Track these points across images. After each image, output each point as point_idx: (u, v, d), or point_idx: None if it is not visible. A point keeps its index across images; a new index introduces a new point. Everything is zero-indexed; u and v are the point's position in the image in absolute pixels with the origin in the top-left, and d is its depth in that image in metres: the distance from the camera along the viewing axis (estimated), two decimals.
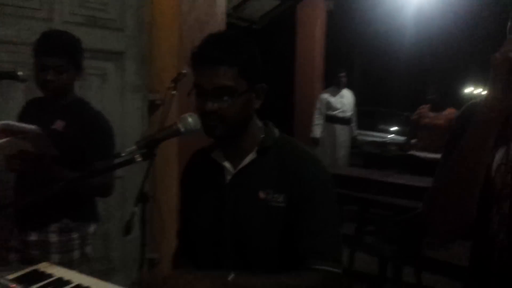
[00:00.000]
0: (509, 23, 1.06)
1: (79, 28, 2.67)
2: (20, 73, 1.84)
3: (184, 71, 2.62)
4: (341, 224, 1.36)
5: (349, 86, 5.81)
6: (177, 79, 2.63)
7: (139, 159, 1.26)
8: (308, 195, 1.29)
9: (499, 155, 1.08)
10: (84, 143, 1.98)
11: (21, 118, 2.12)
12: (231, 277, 1.18)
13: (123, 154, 1.25)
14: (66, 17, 2.73)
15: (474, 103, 1.15)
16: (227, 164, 1.37)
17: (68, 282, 1.27)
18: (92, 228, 2.12)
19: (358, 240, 3.58)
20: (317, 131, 5.62)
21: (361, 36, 8.14)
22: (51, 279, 1.27)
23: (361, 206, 3.84)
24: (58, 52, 1.94)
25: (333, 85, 5.73)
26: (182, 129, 1.27)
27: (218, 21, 3.49)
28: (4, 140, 1.76)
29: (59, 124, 2.00)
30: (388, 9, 7.54)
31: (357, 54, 8.10)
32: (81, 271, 1.79)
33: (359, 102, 5.96)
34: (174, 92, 2.62)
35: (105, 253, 2.91)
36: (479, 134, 1.02)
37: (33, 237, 1.99)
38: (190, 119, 1.27)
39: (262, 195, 1.31)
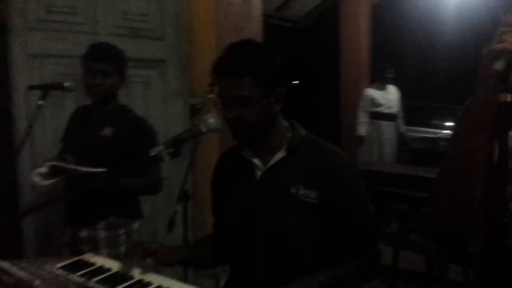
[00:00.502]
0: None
1: (122, 40, 2.86)
2: (66, 84, 2.02)
3: None
4: (372, 207, 1.46)
5: (399, 81, 5.73)
6: (213, 83, 2.75)
7: (167, 157, 1.37)
8: (343, 191, 1.38)
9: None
10: (132, 147, 2.12)
11: (70, 125, 2.32)
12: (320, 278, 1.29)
13: (152, 153, 1.36)
14: (110, 30, 2.93)
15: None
16: (257, 161, 1.45)
17: (108, 270, 1.39)
18: (137, 224, 2.27)
19: (402, 238, 3.54)
20: (362, 129, 5.57)
21: (409, 29, 7.97)
22: (93, 267, 1.41)
23: (407, 204, 3.80)
24: (105, 58, 2.13)
25: (378, 81, 5.67)
26: (204, 129, 1.38)
27: (254, 25, 3.59)
28: (52, 181, 1.96)
29: (108, 131, 2.16)
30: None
31: (406, 48, 7.94)
32: None
33: (410, 97, 5.86)
34: (211, 95, 2.74)
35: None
36: (472, 124, 1.05)
37: (83, 233, 2.16)
38: (211, 120, 1.38)
39: (293, 190, 1.39)
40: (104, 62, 2.11)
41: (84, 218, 2.18)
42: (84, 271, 1.36)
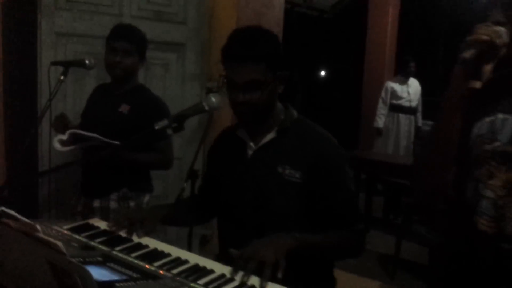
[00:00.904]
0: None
1: (145, 22, 2.98)
2: (87, 61, 2.15)
3: None
4: (357, 190, 1.56)
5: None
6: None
7: (170, 132, 1.49)
8: (326, 172, 1.46)
9: (477, 127, 1.17)
10: (146, 124, 2.24)
11: (90, 101, 2.46)
12: (297, 235, 1.37)
13: (156, 127, 1.47)
14: (135, 12, 3.05)
15: None
16: (249, 141, 1.56)
17: (110, 233, 1.51)
18: (147, 197, 2.40)
19: (406, 228, 3.59)
20: (380, 121, 5.59)
21: (439, 21, 7.84)
22: (97, 230, 1.54)
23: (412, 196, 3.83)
24: (127, 38, 2.26)
25: (400, 74, 5.67)
26: (206, 107, 1.49)
27: (276, 12, 3.66)
28: (71, 147, 2.11)
29: (124, 108, 2.29)
30: None
31: (436, 41, 7.82)
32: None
33: (439, 91, 5.82)
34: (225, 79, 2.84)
35: (162, 226, 3.22)
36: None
37: (96, 203, 2.31)
38: (213, 99, 1.48)
39: (279, 169, 1.48)
40: (125, 42, 2.24)
41: (97, 189, 2.33)
42: (88, 233, 1.49)
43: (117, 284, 1.09)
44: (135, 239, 1.47)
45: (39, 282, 0.94)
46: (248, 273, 1.21)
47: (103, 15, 2.92)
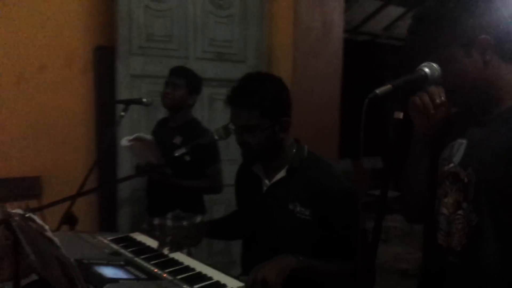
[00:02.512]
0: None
1: (209, 63, 3.35)
2: (144, 100, 2.51)
3: None
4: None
5: None
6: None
7: (188, 158, 1.75)
8: (332, 210, 1.54)
9: (444, 151, 1.28)
10: (193, 155, 2.54)
11: (154, 132, 2.83)
12: (301, 258, 1.48)
13: (175, 154, 1.72)
14: (199, 54, 3.43)
15: None
16: (264, 178, 1.70)
17: (147, 247, 1.76)
18: (198, 218, 2.69)
19: None
20: None
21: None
22: (133, 242, 1.81)
23: None
24: (177, 73, 2.66)
25: None
26: (216, 137, 1.71)
27: (334, 46, 3.84)
28: (137, 143, 2.48)
29: (177, 139, 2.63)
30: None
31: None
32: (190, 252, 2.40)
33: None
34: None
35: (226, 247, 3.48)
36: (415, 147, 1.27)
37: (156, 221, 2.67)
38: (221, 131, 1.70)
39: (291, 206, 1.60)
40: (176, 77, 2.62)
41: (157, 209, 2.69)
42: (125, 243, 1.78)
43: (120, 281, 1.34)
44: (168, 253, 1.68)
45: (53, 272, 1.23)
46: None
47: (171, 58, 3.34)
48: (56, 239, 1.09)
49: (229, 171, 2.62)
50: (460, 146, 1.22)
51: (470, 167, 1.16)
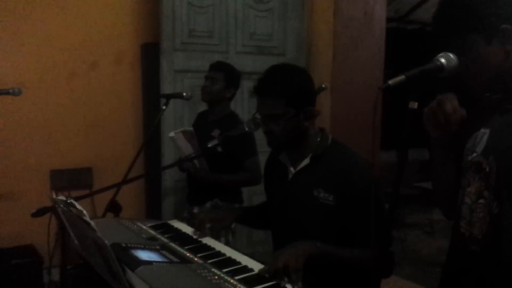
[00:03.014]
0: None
1: (249, 57, 3.42)
2: (184, 94, 2.62)
3: (323, 85, 3.08)
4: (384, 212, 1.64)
5: None
6: (317, 92, 3.10)
7: (220, 149, 1.83)
8: (356, 195, 1.57)
9: (469, 141, 1.28)
10: (229, 147, 2.62)
11: (194, 125, 2.94)
12: (319, 244, 1.53)
13: (208, 145, 1.81)
14: (239, 49, 3.51)
15: None
16: (289, 166, 1.76)
17: (183, 234, 1.86)
18: (236, 207, 2.77)
19: None
20: None
21: None
22: (170, 228, 1.92)
23: None
24: (214, 68, 2.75)
25: None
26: (246, 128, 1.78)
27: (375, 37, 3.80)
28: (180, 134, 2.63)
29: (215, 132, 2.72)
30: None
31: None
32: (227, 240, 2.50)
33: None
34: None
35: (266, 237, 3.55)
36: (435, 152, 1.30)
37: (195, 210, 2.77)
38: (251, 123, 1.77)
39: (315, 193, 1.65)
40: (213, 71, 2.70)
41: (197, 199, 2.80)
42: (162, 230, 1.88)
43: (154, 263, 1.44)
44: (201, 238, 1.77)
45: (92, 254, 1.34)
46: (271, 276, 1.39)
47: (212, 53, 3.43)
48: (92, 223, 1.19)
49: None
50: (483, 136, 1.22)
51: (491, 156, 1.16)
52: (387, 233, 1.63)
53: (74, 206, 1.31)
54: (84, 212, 1.25)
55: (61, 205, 1.43)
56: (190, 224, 1.96)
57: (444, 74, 1.15)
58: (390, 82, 1.06)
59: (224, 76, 2.70)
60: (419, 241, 4.92)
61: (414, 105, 1.09)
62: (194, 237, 1.80)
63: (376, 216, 1.53)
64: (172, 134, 2.65)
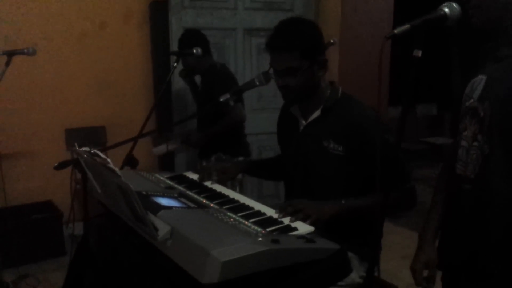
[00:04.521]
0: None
1: (257, 12, 3.43)
2: (194, 50, 2.66)
3: (332, 40, 3.09)
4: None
5: None
6: (326, 46, 3.12)
7: (232, 103, 1.89)
8: (366, 143, 1.62)
9: (467, 87, 1.34)
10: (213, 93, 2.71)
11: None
12: (343, 201, 1.61)
13: (221, 99, 1.87)
14: (248, 5, 3.52)
15: None
16: (301, 118, 1.82)
17: (198, 183, 1.96)
18: (240, 160, 2.90)
19: None
20: None
21: None
22: (186, 179, 2.02)
23: None
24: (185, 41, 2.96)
25: None
26: (257, 83, 1.83)
27: None
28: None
29: (200, 88, 2.99)
30: None
31: None
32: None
33: None
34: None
35: (275, 191, 3.67)
36: None
37: (204, 163, 2.95)
38: (262, 77, 1.81)
39: (325, 143, 1.71)
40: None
41: (204, 153, 3.02)
42: (179, 180, 1.98)
43: (174, 208, 1.54)
44: (215, 188, 1.87)
45: (117, 200, 1.44)
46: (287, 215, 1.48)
47: (220, 9, 3.45)
48: (117, 169, 1.28)
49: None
50: (480, 82, 1.28)
51: (487, 101, 1.22)
52: (405, 171, 1.69)
53: (99, 156, 1.40)
54: (109, 160, 1.34)
55: (85, 156, 1.52)
56: (200, 177, 2.02)
57: (447, 23, 1.20)
58: (396, 31, 1.11)
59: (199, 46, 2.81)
60: (426, 194, 5.02)
61: (418, 53, 1.14)
62: (209, 186, 1.90)
63: (392, 157, 1.55)
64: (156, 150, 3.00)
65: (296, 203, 1.54)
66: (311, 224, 1.45)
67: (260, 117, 3.50)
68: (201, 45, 2.87)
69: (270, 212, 1.58)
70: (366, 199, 1.65)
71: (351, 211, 1.62)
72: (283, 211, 1.51)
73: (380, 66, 1.10)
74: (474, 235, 1.29)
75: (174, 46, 3.37)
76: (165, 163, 3.69)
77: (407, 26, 1.12)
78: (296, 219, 1.47)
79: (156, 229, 1.30)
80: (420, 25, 1.14)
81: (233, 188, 2.71)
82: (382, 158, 1.57)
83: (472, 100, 1.29)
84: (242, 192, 2.89)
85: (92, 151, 1.41)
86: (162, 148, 2.93)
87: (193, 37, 2.97)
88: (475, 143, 1.26)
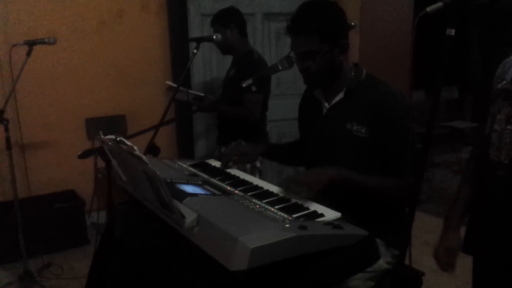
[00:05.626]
0: None
1: None
2: (214, 37, 2.63)
3: (352, 23, 3.03)
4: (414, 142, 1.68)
5: None
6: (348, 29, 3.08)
7: (254, 88, 1.87)
8: (388, 127, 1.62)
9: (498, 69, 1.30)
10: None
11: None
12: (346, 170, 1.60)
13: (243, 85, 1.85)
14: None
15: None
16: (324, 101, 1.81)
17: (221, 170, 1.94)
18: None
19: None
20: None
21: None
22: (209, 166, 2.01)
23: None
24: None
25: None
26: (280, 67, 1.80)
27: None
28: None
29: (232, 71, 2.88)
30: None
31: None
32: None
33: None
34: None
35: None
36: None
37: (223, 149, 2.95)
38: (285, 61, 1.79)
39: (348, 126, 1.70)
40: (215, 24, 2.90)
41: (223, 139, 3.01)
42: (202, 167, 1.98)
43: (199, 195, 1.53)
44: (238, 174, 1.87)
45: (142, 187, 1.44)
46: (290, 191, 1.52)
47: None
48: (143, 156, 1.28)
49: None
50: None
51: None
52: (408, 163, 1.66)
53: (124, 143, 1.39)
54: (135, 147, 1.33)
55: (110, 143, 1.52)
56: (223, 164, 2.01)
57: (481, 1, 1.15)
58: (428, 9, 1.07)
59: (229, 23, 2.85)
60: (447, 179, 4.96)
61: (451, 31, 1.10)
62: (232, 173, 1.89)
63: (403, 146, 1.63)
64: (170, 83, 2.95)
65: (294, 180, 1.56)
66: (315, 194, 1.48)
67: (280, 104, 3.47)
68: (236, 25, 2.88)
69: (293, 198, 1.57)
70: (374, 178, 1.63)
71: (351, 182, 1.59)
72: (288, 191, 1.55)
73: (412, 46, 1.05)
74: (508, 223, 1.26)
75: (192, 33, 3.36)
76: (184, 153, 3.69)
77: (439, 4, 1.08)
78: (301, 197, 1.50)
79: (183, 216, 1.29)
80: (453, 3, 1.10)
81: (252, 175, 2.72)
82: (395, 143, 1.62)
83: (504, 82, 1.24)
84: (266, 179, 2.89)
85: (118, 139, 1.41)
86: (173, 88, 2.82)
87: (229, 14, 2.91)
88: (509, 127, 1.21)
